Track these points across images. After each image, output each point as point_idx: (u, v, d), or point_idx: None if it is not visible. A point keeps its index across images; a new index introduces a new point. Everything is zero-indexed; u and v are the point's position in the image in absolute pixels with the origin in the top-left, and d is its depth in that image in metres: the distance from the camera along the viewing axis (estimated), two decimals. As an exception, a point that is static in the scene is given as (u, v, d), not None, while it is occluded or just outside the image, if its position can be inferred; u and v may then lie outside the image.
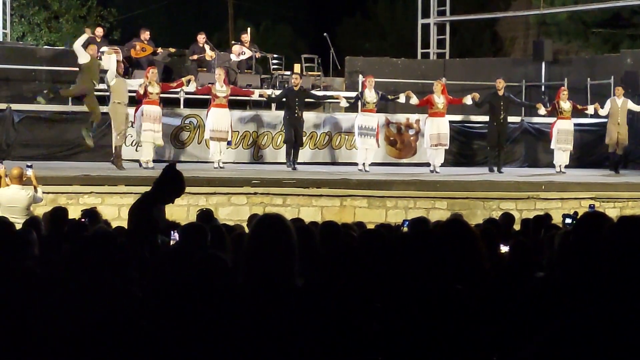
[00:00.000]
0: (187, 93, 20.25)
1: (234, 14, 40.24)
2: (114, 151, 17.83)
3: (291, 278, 4.27)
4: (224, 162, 18.96)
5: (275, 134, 20.47)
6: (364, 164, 19.42)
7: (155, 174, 16.53)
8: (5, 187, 12.48)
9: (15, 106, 19.06)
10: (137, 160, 18.79)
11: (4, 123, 19.17)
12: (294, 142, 19.14)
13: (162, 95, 18.63)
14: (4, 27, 24.77)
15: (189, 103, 20.71)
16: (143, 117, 18.12)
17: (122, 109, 17.70)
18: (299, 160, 19.37)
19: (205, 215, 10.27)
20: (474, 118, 22.10)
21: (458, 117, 22.02)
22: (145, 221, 7.50)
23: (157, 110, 18.34)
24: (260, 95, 20.31)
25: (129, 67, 21.14)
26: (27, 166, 12.94)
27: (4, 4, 24.73)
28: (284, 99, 19.36)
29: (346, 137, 20.90)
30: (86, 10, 33.08)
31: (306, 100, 19.75)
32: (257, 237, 4.35)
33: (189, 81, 19.12)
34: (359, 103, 19.59)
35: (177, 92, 20.10)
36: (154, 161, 18.22)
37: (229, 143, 19.19)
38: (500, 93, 20.13)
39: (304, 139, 20.26)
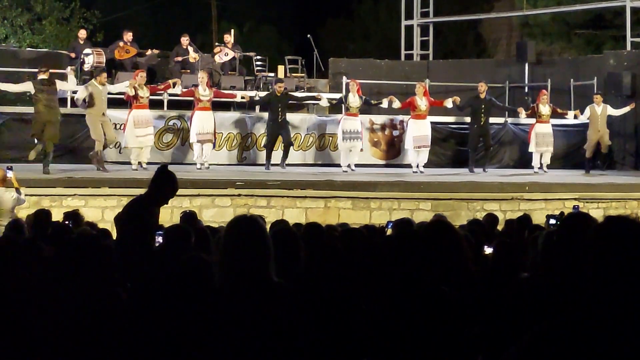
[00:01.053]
0: (170, 95, 20.23)
1: (218, 16, 40.19)
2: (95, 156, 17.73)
3: (267, 275, 4.30)
4: (209, 164, 18.95)
5: (259, 135, 20.45)
6: (348, 165, 19.47)
7: (139, 175, 16.60)
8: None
9: (2, 108, 18.98)
10: (123, 162, 18.83)
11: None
12: (283, 143, 19.25)
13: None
14: (-14, 29, 24.69)
15: (173, 105, 20.66)
16: (134, 123, 18.15)
17: (95, 117, 17.58)
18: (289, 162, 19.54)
19: (189, 217, 10.25)
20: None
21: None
22: (140, 223, 7.51)
23: (147, 113, 18.41)
24: (242, 98, 20.30)
25: (112, 69, 21.11)
26: (8, 168, 12.90)
27: (-14, 6, 24.65)
28: (268, 104, 19.39)
29: (330, 138, 20.91)
30: (69, 12, 32.92)
31: (289, 102, 19.76)
32: (230, 237, 4.40)
33: (175, 84, 19.12)
34: (343, 106, 19.64)
35: (160, 94, 20.06)
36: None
37: (213, 146, 19.17)
38: (482, 96, 20.26)
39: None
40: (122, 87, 18.51)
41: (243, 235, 4.35)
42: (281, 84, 19.54)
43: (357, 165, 19.65)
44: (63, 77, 19.16)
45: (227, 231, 4.48)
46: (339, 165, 19.99)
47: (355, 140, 19.36)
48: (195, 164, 19.10)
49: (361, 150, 19.78)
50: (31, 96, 17.27)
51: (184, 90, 19.53)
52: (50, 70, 17.62)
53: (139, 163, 18.34)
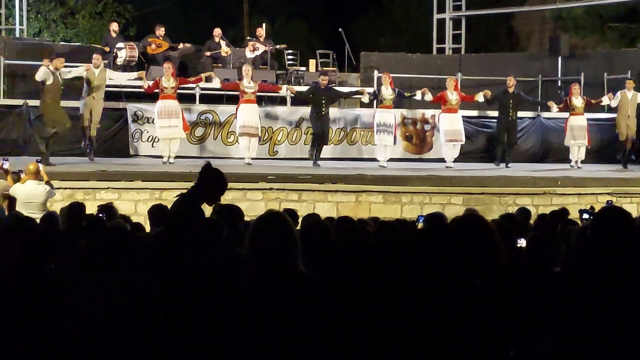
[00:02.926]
0: (202, 89, 20.26)
1: (249, 10, 40.23)
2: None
3: (294, 266, 4.36)
4: (253, 158, 18.86)
5: (290, 129, 20.47)
6: (383, 160, 19.41)
7: (174, 169, 16.68)
8: (21, 183, 12.49)
9: (32, 102, 19.10)
10: (156, 156, 18.96)
11: (21, 119, 19.24)
12: (320, 138, 19.10)
13: (178, 90, 18.63)
14: (21, 24, 24.86)
15: (205, 99, 20.71)
16: (159, 114, 18.21)
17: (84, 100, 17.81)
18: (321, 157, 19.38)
19: (227, 209, 10.23)
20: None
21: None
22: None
23: (172, 104, 18.29)
24: (288, 91, 20.29)
25: (145, 62, 21.20)
26: (37, 161, 13.00)
27: (21, 0, 24.81)
28: (311, 96, 19.33)
29: (362, 132, 20.89)
30: (102, 6, 33.13)
31: (332, 97, 19.72)
32: (257, 232, 4.51)
33: (208, 77, 19.15)
34: (376, 100, 19.61)
35: (192, 88, 20.11)
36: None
37: (259, 140, 19.20)
38: (511, 91, 20.10)
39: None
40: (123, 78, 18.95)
41: (269, 230, 4.47)
42: (325, 77, 19.44)
43: (389, 160, 19.50)
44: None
45: (254, 226, 4.55)
46: (370, 160, 20.02)
47: (388, 134, 19.25)
48: (234, 157, 19.25)
49: (394, 144, 19.73)
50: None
51: (227, 82, 19.56)
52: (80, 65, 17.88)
53: (167, 157, 18.39)
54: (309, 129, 20.03)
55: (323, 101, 18.97)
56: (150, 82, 18.39)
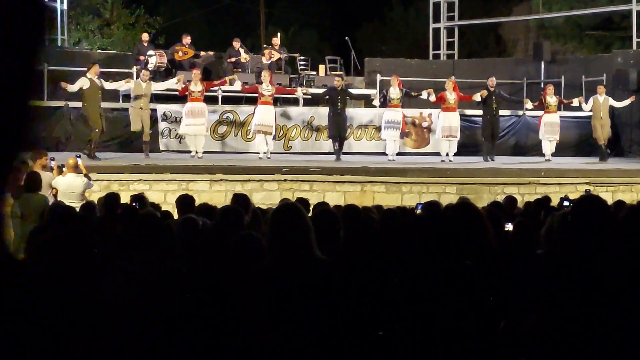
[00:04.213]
0: (224, 91, 20.27)
1: (265, 21, 40.23)
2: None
3: (310, 251, 4.37)
4: (271, 153, 18.89)
5: (303, 127, 20.51)
6: (392, 154, 19.43)
7: (199, 163, 16.71)
8: (63, 175, 12.53)
9: (72, 103, 19.11)
10: (183, 151, 19.10)
11: (62, 119, 19.30)
12: (338, 136, 19.12)
13: (205, 93, 18.81)
14: (62, 34, 24.92)
15: (226, 100, 20.76)
16: (186, 114, 18.37)
17: (133, 112, 18.11)
18: (344, 151, 19.43)
19: (241, 199, 10.22)
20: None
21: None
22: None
23: (199, 106, 18.43)
24: (305, 93, 20.32)
25: (172, 68, 21.25)
26: (77, 156, 13.04)
27: (62, 13, 24.87)
28: (327, 97, 19.39)
29: (366, 129, 20.91)
30: (134, 18, 33.17)
31: (347, 98, 19.77)
32: (276, 221, 4.53)
33: (232, 80, 19.25)
34: (385, 100, 19.63)
35: (215, 91, 20.16)
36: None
37: (274, 137, 19.24)
38: (492, 90, 20.12)
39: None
40: (166, 86, 19.06)
41: (287, 219, 4.47)
42: (340, 79, 19.50)
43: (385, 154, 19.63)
44: (129, 77, 19.45)
45: (273, 216, 4.56)
46: (374, 154, 20.08)
47: (395, 130, 19.31)
48: (250, 152, 19.26)
49: (401, 138, 19.80)
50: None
51: (247, 86, 19.63)
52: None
53: (194, 152, 18.51)
54: (319, 126, 20.10)
55: (339, 101, 18.99)
56: (183, 85, 18.51)
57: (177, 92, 19.16)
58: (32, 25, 1.57)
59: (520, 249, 6.14)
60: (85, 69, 17.85)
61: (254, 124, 18.79)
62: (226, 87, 19.92)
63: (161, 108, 19.53)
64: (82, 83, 17.35)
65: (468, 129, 21.33)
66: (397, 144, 19.61)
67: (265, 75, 18.99)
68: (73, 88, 17.45)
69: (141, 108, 18.05)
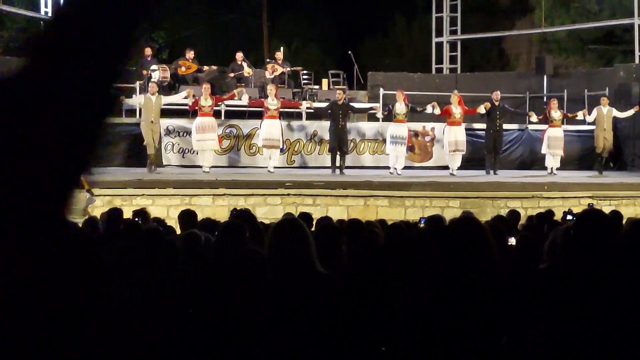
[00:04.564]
0: (227, 106, 20.28)
1: (269, 35, 40.31)
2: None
3: (311, 266, 4.36)
4: (275, 167, 18.99)
5: (306, 141, 20.52)
6: (395, 168, 19.42)
7: (199, 177, 16.71)
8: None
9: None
10: (186, 166, 19.26)
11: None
12: (338, 150, 19.15)
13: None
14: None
15: (229, 114, 20.77)
16: (196, 129, 18.52)
17: (145, 125, 18.26)
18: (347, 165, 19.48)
19: (242, 214, 10.18)
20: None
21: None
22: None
23: (209, 120, 18.58)
24: (308, 107, 20.35)
25: (175, 83, 21.29)
26: None
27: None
28: (329, 111, 19.43)
29: (369, 143, 20.93)
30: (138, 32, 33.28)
31: (348, 111, 19.81)
32: (276, 236, 4.53)
33: (240, 93, 19.32)
34: (390, 114, 19.67)
35: (219, 106, 20.18)
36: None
37: (281, 150, 19.35)
38: (497, 103, 20.22)
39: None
40: (176, 99, 19.18)
41: (287, 235, 4.48)
42: (341, 92, 19.57)
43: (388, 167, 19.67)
44: (132, 91, 19.56)
45: (273, 231, 4.55)
46: (378, 167, 20.12)
47: (401, 145, 19.35)
48: (258, 166, 19.43)
49: (406, 153, 19.87)
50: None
51: (254, 100, 19.68)
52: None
53: (205, 167, 18.61)
54: (323, 140, 20.13)
55: (340, 115, 19.04)
56: (193, 100, 18.60)
57: (181, 106, 19.27)
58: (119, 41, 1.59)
59: (523, 263, 6.13)
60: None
61: (262, 139, 18.87)
62: (230, 102, 19.94)
63: (164, 122, 19.52)
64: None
65: (472, 143, 21.36)
66: (402, 158, 19.60)
67: (271, 89, 19.09)
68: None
69: (152, 122, 18.13)
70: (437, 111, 19.69)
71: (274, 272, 4.43)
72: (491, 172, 20.04)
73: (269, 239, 4.57)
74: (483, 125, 20.94)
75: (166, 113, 20.18)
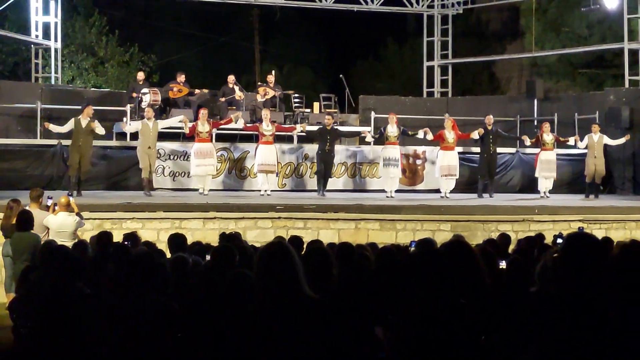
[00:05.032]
0: (218, 129, 20.31)
1: (260, 59, 40.44)
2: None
3: (299, 289, 4.37)
4: (271, 190, 19.23)
5: (297, 164, 20.57)
6: (390, 190, 19.53)
7: (189, 201, 16.68)
8: (54, 214, 12.47)
9: (65, 142, 19.16)
10: (177, 189, 19.39)
11: (55, 157, 19.31)
12: (323, 174, 19.36)
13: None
14: (56, 72, 25.01)
15: (220, 138, 20.76)
16: (195, 154, 18.68)
17: (141, 150, 18.27)
18: (328, 188, 19.59)
19: (230, 238, 10.16)
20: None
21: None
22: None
23: (207, 146, 18.79)
24: (302, 131, 20.36)
25: (166, 106, 21.29)
26: (68, 194, 13.01)
27: (56, 51, 24.99)
28: (318, 135, 19.62)
29: (360, 166, 21.03)
30: (129, 56, 33.28)
31: (337, 135, 19.94)
32: (262, 261, 4.51)
33: (236, 118, 19.37)
34: (382, 137, 19.77)
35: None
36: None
37: (277, 174, 19.50)
38: (490, 128, 20.35)
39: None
40: (170, 123, 19.13)
41: (274, 258, 4.47)
42: (330, 117, 19.71)
43: (384, 190, 19.71)
44: (122, 115, 19.59)
45: (260, 255, 4.55)
46: (366, 191, 20.18)
47: (394, 167, 19.53)
48: (250, 190, 19.62)
49: (400, 175, 19.99)
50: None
51: (249, 125, 19.79)
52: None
53: (202, 190, 18.79)
54: (314, 163, 20.19)
55: (328, 139, 19.21)
56: (190, 126, 18.68)
57: (174, 129, 19.32)
58: None
59: (514, 287, 6.14)
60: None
61: (257, 164, 19.06)
62: (234, 125, 19.94)
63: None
64: (70, 126, 17.90)
65: (469, 168, 21.42)
66: (395, 180, 19.73)
67: (266, 114, 19.21)
68: (55, 129, 18.05)
69: (149, 147, 18.18)
70: (430, 137, 19.83)
71: (262, 295, 4.42)
72: (484, 195, 20.13)
73: (256, 262, 4.56)
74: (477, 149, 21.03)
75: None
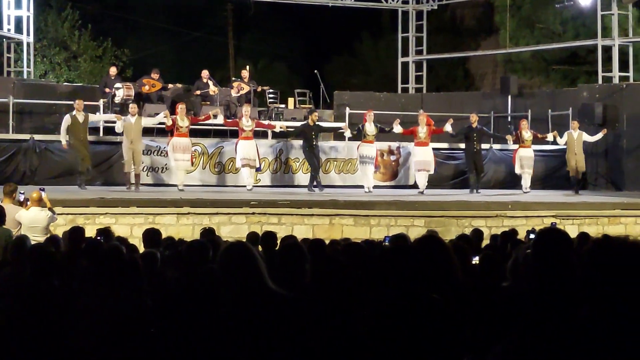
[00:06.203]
0: (193, 125, 20.27)
1: (235, 53, 40.37)
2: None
3: (263, 284, 4.44)
4: (240, 186, 19.29)
5: (271, 160, 20.57)
6: (368, 186, 19.66)
7: (162, 196, 16.63)
8: (26, 209, 12.39)
9: (37, 136, 19.04)
10: (151, 184, 19.48)
11: (27, 152, 19.19)
12: (317, 169, 19.57)
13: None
14: (28, 66, 24.84)
15: (194, 133, 20.69)
16: (173, 149, 18.67)
17: (126, 146, 18.37)
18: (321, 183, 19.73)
19: (208, 233, 10.22)
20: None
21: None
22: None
23: (186, 141, 18.82)
24: (281, 128, 20.34)
25: (140, 101, 21.19)
26: (41, 189, 12.93)
27: (28, 45, 24.81)
28: (301, 132, 19.72)
29: (335, 162, 21.07)
30: (102, 50, 33.12)
31: (320, 132, 20.13)
32: (223, 259, 4.59)
33: (215, 114, 19.37)
34: (359, 134, 19.81)
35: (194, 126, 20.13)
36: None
37: (258, 169, 19.59)
38: (474, 125, 20.58)
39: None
40: (151, 122, 19.14)
41: (235, 256, 4.55)
42: (315, 113, 19.75)
43: (359, 187, 19.79)
44: (95, 109, 19.48)
45: (220, 256, 4.60)
46: (340, 187, 20.47)
47: (369, 165, 19.64)
48: (237, 185, 19.77)
49: (375, 172, 20.14)
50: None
51: (229, 120, 19.84)
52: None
53: (180, 185, 18.76)
54: (288, 159, 20.25)
55: (313, 135, 19.32)
56: (170, 121, 18.68)
57: (157, 125, 19.34)
58: None
59: (486, 282, 6.17)
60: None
61: (239, 159, 19.18)
62: (213, 121, 19.91)
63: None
64: (67, 121, 18.17)
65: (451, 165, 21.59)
66: (371, 177, 19.86)
67: (246, 110, 19.30)
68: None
69: (132, 142, 18.22)
70: (399, 129, 19.88)
71: (225, 291, 4.46)
72: (474, 191, 20.41)
73: (217, 262, 4.64)
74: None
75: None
